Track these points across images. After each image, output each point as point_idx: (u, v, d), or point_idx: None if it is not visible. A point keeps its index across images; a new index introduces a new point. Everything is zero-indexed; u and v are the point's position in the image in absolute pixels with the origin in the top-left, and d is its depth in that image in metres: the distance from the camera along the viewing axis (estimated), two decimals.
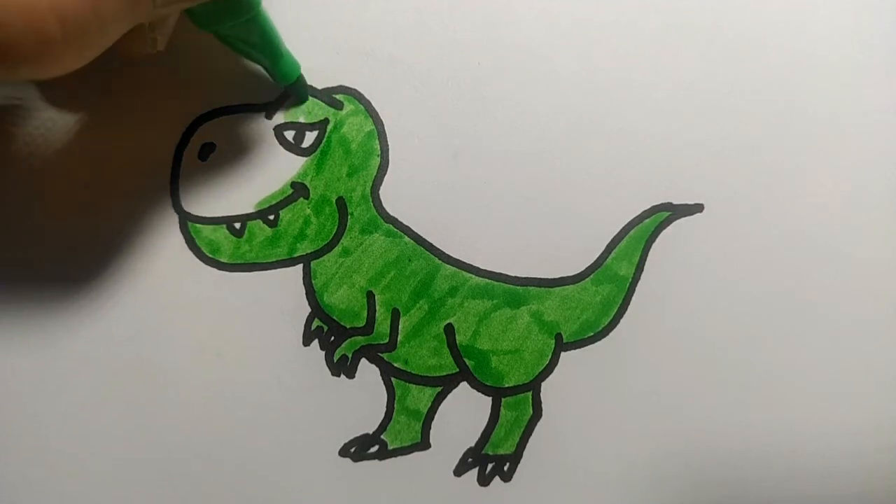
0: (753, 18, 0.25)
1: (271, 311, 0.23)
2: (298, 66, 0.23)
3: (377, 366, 0.24)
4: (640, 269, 0.24)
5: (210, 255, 0.23)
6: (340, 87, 0.24)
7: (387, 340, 0.24)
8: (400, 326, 0.24)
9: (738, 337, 0.24)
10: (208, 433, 0.23)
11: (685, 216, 0.25)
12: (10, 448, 0.23)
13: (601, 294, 0.24)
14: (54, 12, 0.14)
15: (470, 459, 0.24)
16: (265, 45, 0.21)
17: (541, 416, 0.24)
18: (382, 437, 0.24)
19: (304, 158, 0.24)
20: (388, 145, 0.24)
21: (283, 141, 0.24)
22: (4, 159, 0.23)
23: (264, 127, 0.24)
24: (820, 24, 0.25)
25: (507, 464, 0.24)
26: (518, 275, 0.24)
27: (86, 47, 0.16)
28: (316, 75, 0.24)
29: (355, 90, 0.24)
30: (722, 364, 0.24)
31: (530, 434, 0.24)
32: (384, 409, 0.24)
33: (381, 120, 0.24)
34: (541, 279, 0.24)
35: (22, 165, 0.23)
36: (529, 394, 0.24)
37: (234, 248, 0.23)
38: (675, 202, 0.24)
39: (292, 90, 0.23)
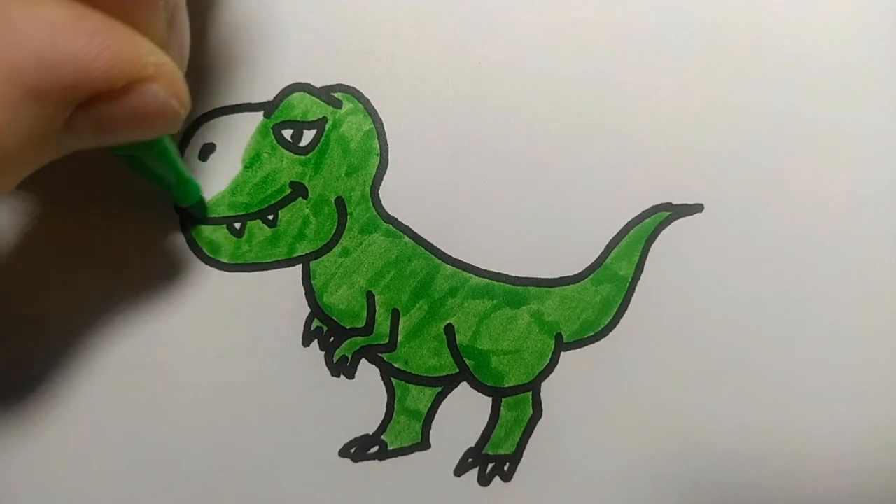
0: (754, 19, 0.25)
1: (271, 311, 0.23)
2: (199, 190, 0.22)
3: (377, 366, 0.24)
4: (639, 269, 0.24)
5: (210, 255, 0.23)
6: (339, 85, 0.24)
7: (387, 341, 0.24)
8: (400, 327, 0.24)
9: (739, 337, 0.24)
10: (208, 433, 0.23)
11: (685, 216, 0.25)
12: (9, 448, 0.23)
13: (601, 294, 0.24)
14: None
15: (470, 459, 0.24)
16: (168, 171, 0.21)
17: (541, 415, 0.24)
18: (382, 437, 0.24)
19: (303, 157, 0.24)
20: (387, 145, 0.24)
21: (281, 140, 0.24)
22: None
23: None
24: (820, 25, 0.25)
25: (507, 464, 0.24)
26: (518, 275, 0.24)
27: None
28: (315, 74, 0.24)
29: (354, 88, 0.24)
30: (722, 364, 0.24)
31: (530, 434, 0.24)
32: (384, 410, 0.24)
33: (380, 119, 0.24)
34: (541, 279, 0.24)
35: None
36: (529, 394, 0.24)
37: (235, 248, 0.23)
38: (675, 202, 0.24)
39: (191, 210, 0.23)
